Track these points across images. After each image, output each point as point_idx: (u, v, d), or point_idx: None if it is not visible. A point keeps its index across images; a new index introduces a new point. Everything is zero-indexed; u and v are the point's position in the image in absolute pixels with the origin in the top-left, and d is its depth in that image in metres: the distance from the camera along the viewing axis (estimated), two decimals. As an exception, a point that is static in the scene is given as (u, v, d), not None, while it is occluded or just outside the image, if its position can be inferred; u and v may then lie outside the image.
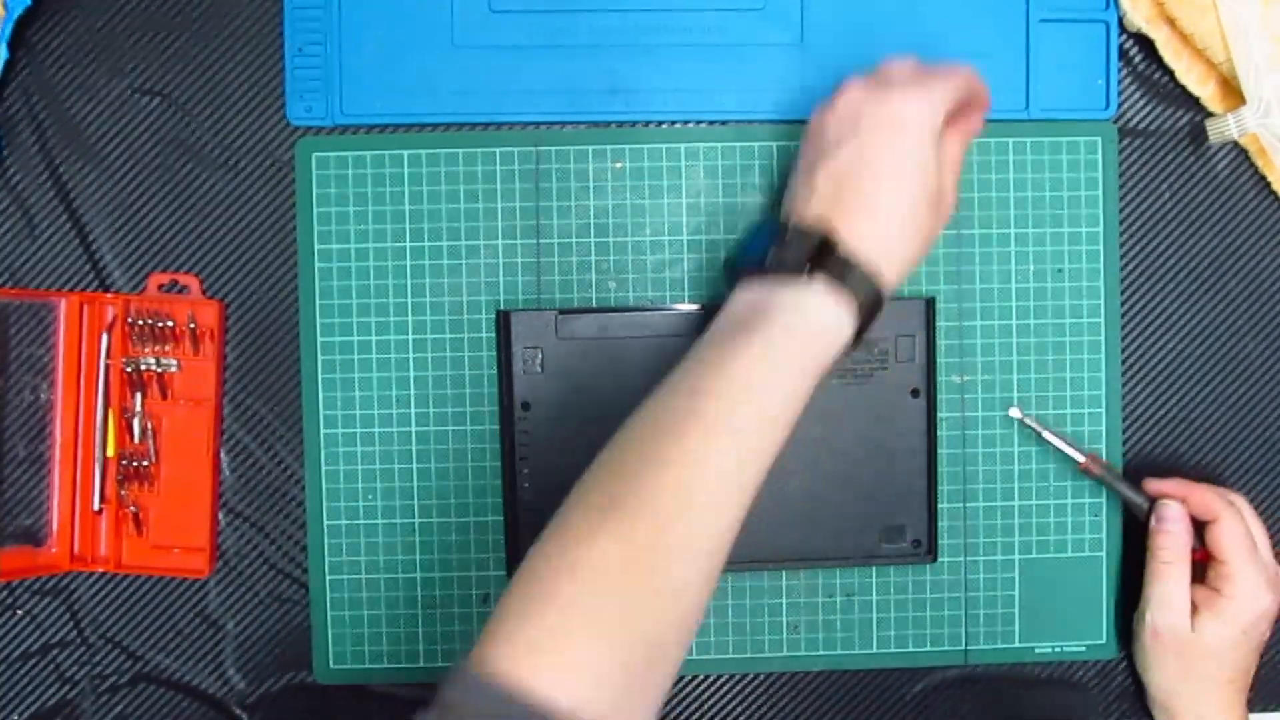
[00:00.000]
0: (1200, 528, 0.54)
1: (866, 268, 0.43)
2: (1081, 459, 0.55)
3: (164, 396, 0.57)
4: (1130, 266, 0.59)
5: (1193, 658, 0.53)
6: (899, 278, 0.45)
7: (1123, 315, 0.59)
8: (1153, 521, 0.54)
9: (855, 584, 0.58)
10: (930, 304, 0.57)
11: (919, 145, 0.44)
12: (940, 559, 0.58)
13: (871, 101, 0.45)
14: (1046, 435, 0.56)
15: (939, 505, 0.57)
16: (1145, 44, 0.57)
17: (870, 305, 0.44)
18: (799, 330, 0.43)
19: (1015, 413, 0.57)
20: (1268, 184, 0.58)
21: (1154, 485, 0.55)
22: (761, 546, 0.57)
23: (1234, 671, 0.53)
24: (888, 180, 0.44)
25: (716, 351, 0.42)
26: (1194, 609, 0.53)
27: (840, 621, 0.58)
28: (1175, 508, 0.54)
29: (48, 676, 0.58)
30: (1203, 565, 0.54)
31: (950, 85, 0.46)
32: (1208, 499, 0.54)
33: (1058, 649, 0.59)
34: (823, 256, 0.43)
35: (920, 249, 0.46)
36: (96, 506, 0.57)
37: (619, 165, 0.57)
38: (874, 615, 0.58)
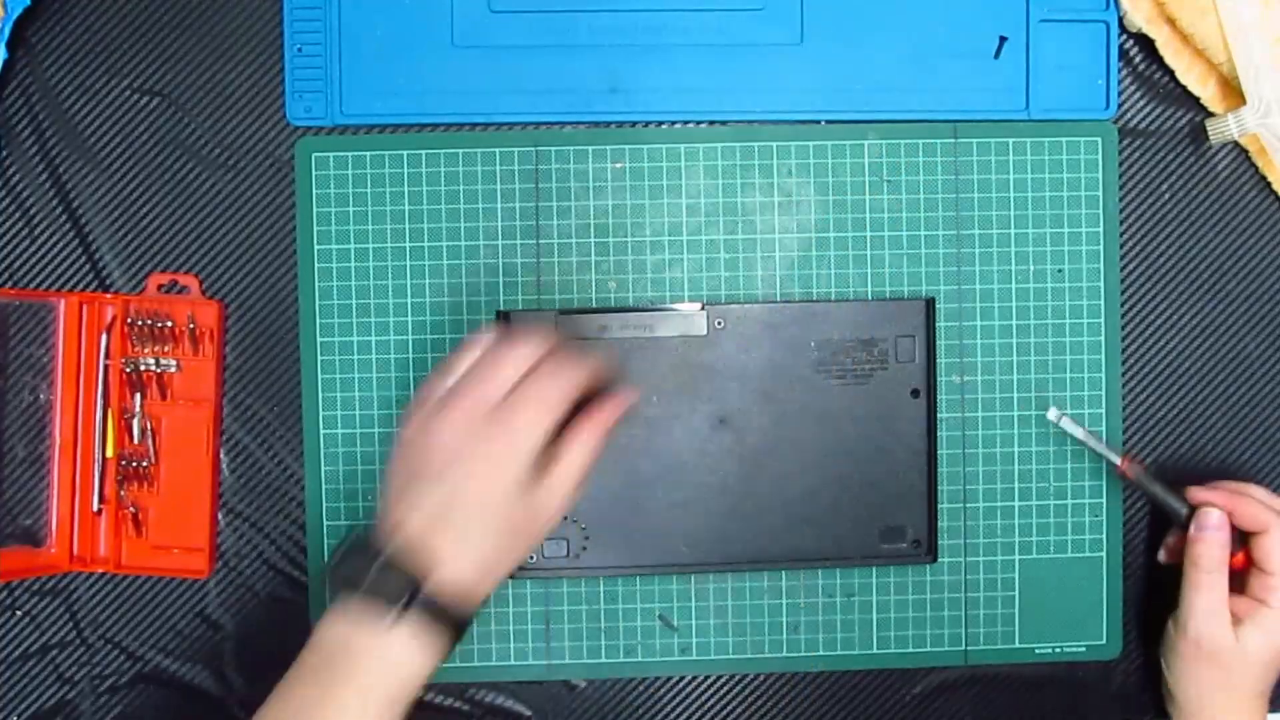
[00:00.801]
0: (1242, 536, 0.53)
1: (456, 601, 0.44)
2: (1119, 461, 0.54)
3: (163, 397, 0.57)
4: (1130, 266, 0.59)
5: (1232, 669, 0.52)
6: (489, 592, 0.46)
7: (1123, 315, 0.59)
8: (1193, 529, 0.53)
9: (855, 584, 0.58)
10: (930, 304, 0.57)
11: (499, 485, 0.45)
12: (940, 559, 0.58)
13: (468, 435, 0.45)
14: (1081, 436, 0.55)
15: (939, 505, 0.57)
16: (1145, 44, 0.57)
17: (458, 633, 0.45)
18: (386, 674, 0.44)
19: (1053, 414, 0.56)
20: (1268, 184, 0.58)
21: (1198, 494, 0.53)
22: (761, 546, 0.57)
23: (1268, 684, 0.52)
24: (476, 514, 0.45)
25: (305, 690, 0.44)
26: (1235, 619, 0.52)
27: (840, 621, 0.58)
28: (1217, 515, 0.52)
29: (47, 677, 0.58)
30: (1239, 573, 0.53)
31: (545, 418, 0.46)
32: (1255, 510, 0.52)
33: (1058, 649, 0.59)
34: (415, 594, 0.44)
35: (513, 563, 0.47)
36: (96, 507, 0.57)
37: (619, 165, 0.57)
38: (874, 615, 0.58)
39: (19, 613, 0.58)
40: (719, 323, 0.56)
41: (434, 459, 0.45)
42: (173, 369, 0.57)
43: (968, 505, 0.58)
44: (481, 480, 0.45)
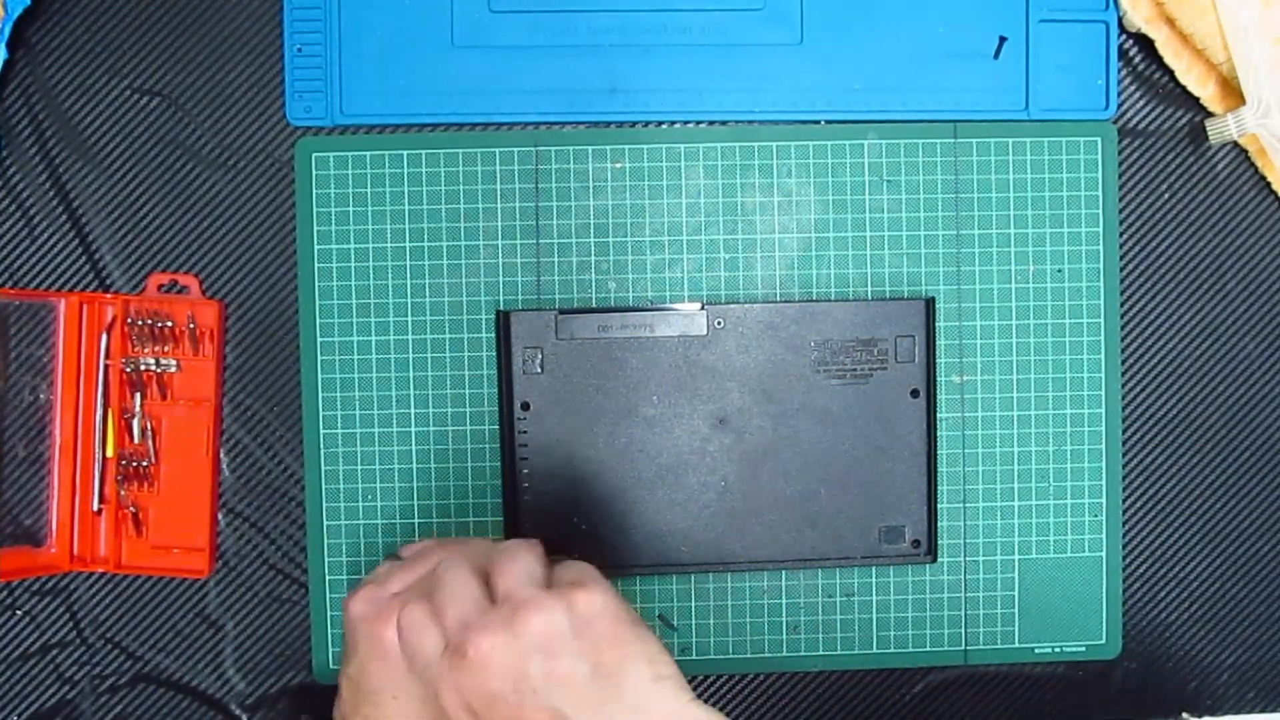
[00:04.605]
0: None
1: None
2: None
3: (164, 397, 0.57)
4: (1130, 266, 0.59)
5: None
6: None
7: (1123, 315, 0.59)
8: None
9: (855, 584, 0.58)
10: (930, 304, 0.57)
11: (406, 669, 0.43)
12: (940, 559, 0.58)
13: (365, 624, 0.44)
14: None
15: (939, 505, 0.58)
16: (1145, 44, 0.57)
17: None
18: None
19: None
20: (1268, 184, 0.58)
21: None
22: (761, 546, 0.57)
23: None
24: (385, 697, 0.43)
25: None
26: None
27: (840, 621, 0.58)
28: None
29: (47, 676, 0.58)
30: None
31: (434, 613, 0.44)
32: None
33: (1058, 649, 0.59)
34: None
35: None
36: (96, 507, 0.57)
37: (619, 165, 0.57)
38: (874, 615, 0.58)
39: (19, 613, 0.58)
40: (719, 323, 0.56)
41: (350, 635, 0.45)
42: (173, 369, 0.57)
43: (968, 505, 0.58)
44: (374, 668, 0.43)
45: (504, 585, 0.41)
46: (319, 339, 0.57)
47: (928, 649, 0.59)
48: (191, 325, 0.57)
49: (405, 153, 0.57)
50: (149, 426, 0.57)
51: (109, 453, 0.57)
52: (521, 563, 0.42)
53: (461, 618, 0.41)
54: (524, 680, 0.39)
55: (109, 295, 0.57)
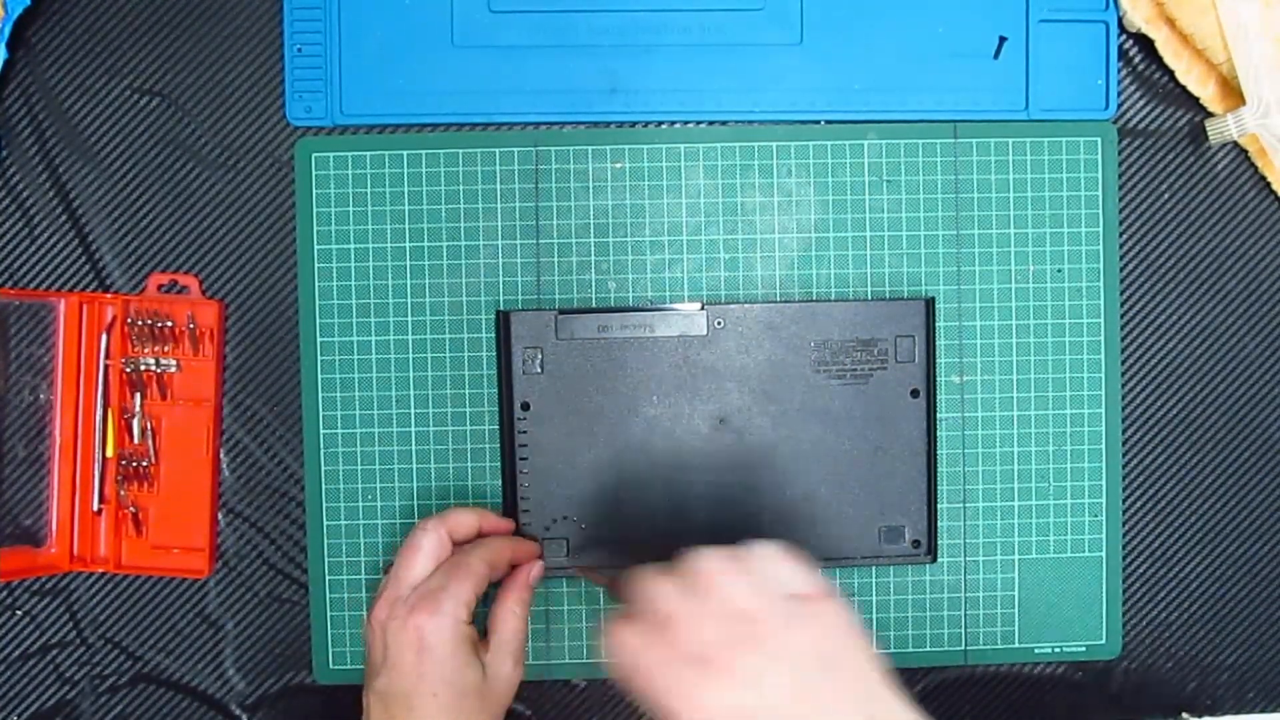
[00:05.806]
0: None
1: None
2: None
3: (163, 397, 0.57)
4: (1130, 266, 0.59)
5: None
6: None
7: (1123, 315, 0.59)
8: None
9: (855, 584, 0.58)
10: (930, 304, 0.57)
11: (443, 659, 0.46)
12: (940, 559, 0.58)
13: (395, 623, 0.47)
14: None
15: (939, 505, 0.58)
16: (1145, 44, 0.57)
17: None
18: None
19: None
20: (1268, 184, 0.58)
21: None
22: (761, 546, 0.57)
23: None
24: (423, 698, 0.46)
25: None
26: None
27: (840, 621, 0.58)
28: None
29: (47, 677, 0.58)
30: None
31: (467, 585, 0.48)
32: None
33: (1057, 649, 0.59)
34: None
35: None
36: (96, 507, 0.57)
37: (619, 165, 0.57)
38: (874, 615, 0.58)
39: (19, 613, 0.58)
40: (719, 322, 0.56)
41: (375, 648, 0.47)
42: (173, 369, 0.57)
43: (968, 505, 0.58)
44: (412, 660, 0.46)
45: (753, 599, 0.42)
46: (319, 339, 0.57)
47: (928, 649, 0.59)
48: (191, 325, 0.57)
49: (405, 153, 0.57)
50: (149, 426, 0.57)
51: (109, 453, 0.57)
52: (774, 567, 0.43)
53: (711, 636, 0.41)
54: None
55: (109, 295, 0.57)
